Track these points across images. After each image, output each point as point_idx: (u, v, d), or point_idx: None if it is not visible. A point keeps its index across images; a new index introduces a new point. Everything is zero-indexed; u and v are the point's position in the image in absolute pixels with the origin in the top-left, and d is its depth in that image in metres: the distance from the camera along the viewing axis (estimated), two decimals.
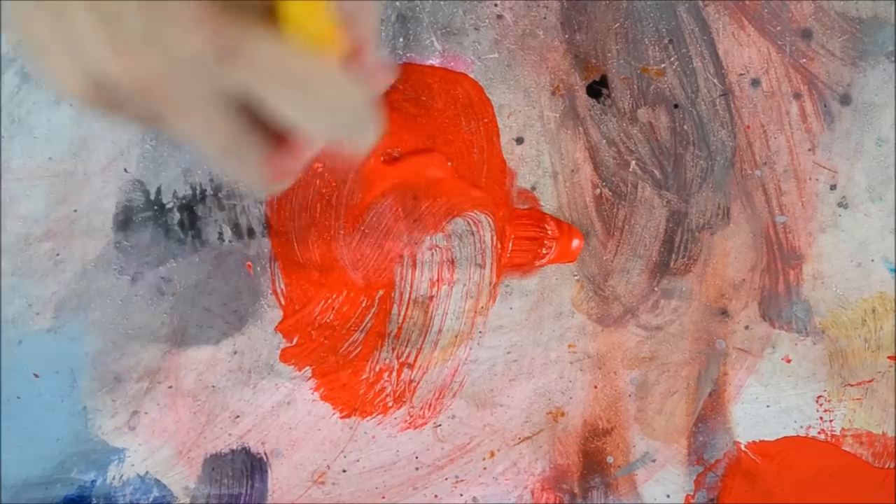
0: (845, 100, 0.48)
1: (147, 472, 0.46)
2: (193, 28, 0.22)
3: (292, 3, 0.23)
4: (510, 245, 0.47)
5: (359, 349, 0.46)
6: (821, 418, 0.48)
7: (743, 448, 0.48)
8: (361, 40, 0.27)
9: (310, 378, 0.46)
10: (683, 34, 0.47)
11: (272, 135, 0.26)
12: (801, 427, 0.48)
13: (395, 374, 0.47)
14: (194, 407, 0.46)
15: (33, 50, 0.23)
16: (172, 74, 0.22)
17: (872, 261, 0.48)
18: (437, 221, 0.46)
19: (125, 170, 0.45)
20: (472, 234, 0.47)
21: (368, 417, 0.47)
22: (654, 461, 0.48)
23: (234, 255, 0.46)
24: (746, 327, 0.48)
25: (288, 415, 0.46)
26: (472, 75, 0.46)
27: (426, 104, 0.46)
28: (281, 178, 0.27)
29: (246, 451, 0.47)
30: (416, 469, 0.47)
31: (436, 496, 0.47)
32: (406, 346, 0.47)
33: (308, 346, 0.46)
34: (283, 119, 0.25)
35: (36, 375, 0.45)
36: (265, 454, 0.47)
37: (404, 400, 0.47)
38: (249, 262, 0.46)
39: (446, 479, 0.47)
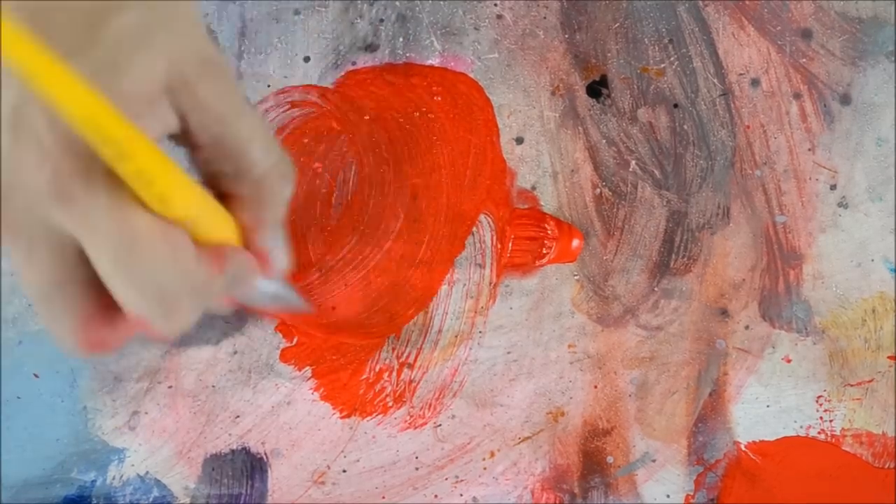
0: (845, 100, 0.48)
1: (147, 472, 0.46)
2: (40, 161, 0.20)
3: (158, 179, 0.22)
4: (510, 245, 0.47)
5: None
6: (821, 418, 0.48)
7: (743, 448, 0.48)
8: (254, 224, 0.25)
9: (310, 378, 0.46)
10: (683, 34, 0.47)
11: (98, 297, 0.24)
12: (801, 427, 0.48)
13: (395, 374, 0.47)
14: (194, 407, 0.46)
15: None
16: (5, 194, 0.21)
17: (872, 261, 0.48)
18: (436, 221, 0.46)
19: None
20: (472, 233, 0.47)
21: (368, 417, 0.47)
22: (654, 461, 0.48)
23: None
24: (746, 327, 0.48)
25: (288, 415, 0.46)
26: (472, 75, 0.46)
27: (425, 104, 0.46)
28: (94, 348, 0.24)
29: (246, 451, 0.47)
30: (416, 469, 0.47)
31: (436, 496, 0.47)
32: (406, 346, 0.47)
33: (308, 346, 0.46)
34: (103, 279, 0.23)
35: (36, 375, 0.45)
36: (265, 454, 0.47)
37: (404, 400, 0.47)
38: None
39: (446, 479, 0.47)
